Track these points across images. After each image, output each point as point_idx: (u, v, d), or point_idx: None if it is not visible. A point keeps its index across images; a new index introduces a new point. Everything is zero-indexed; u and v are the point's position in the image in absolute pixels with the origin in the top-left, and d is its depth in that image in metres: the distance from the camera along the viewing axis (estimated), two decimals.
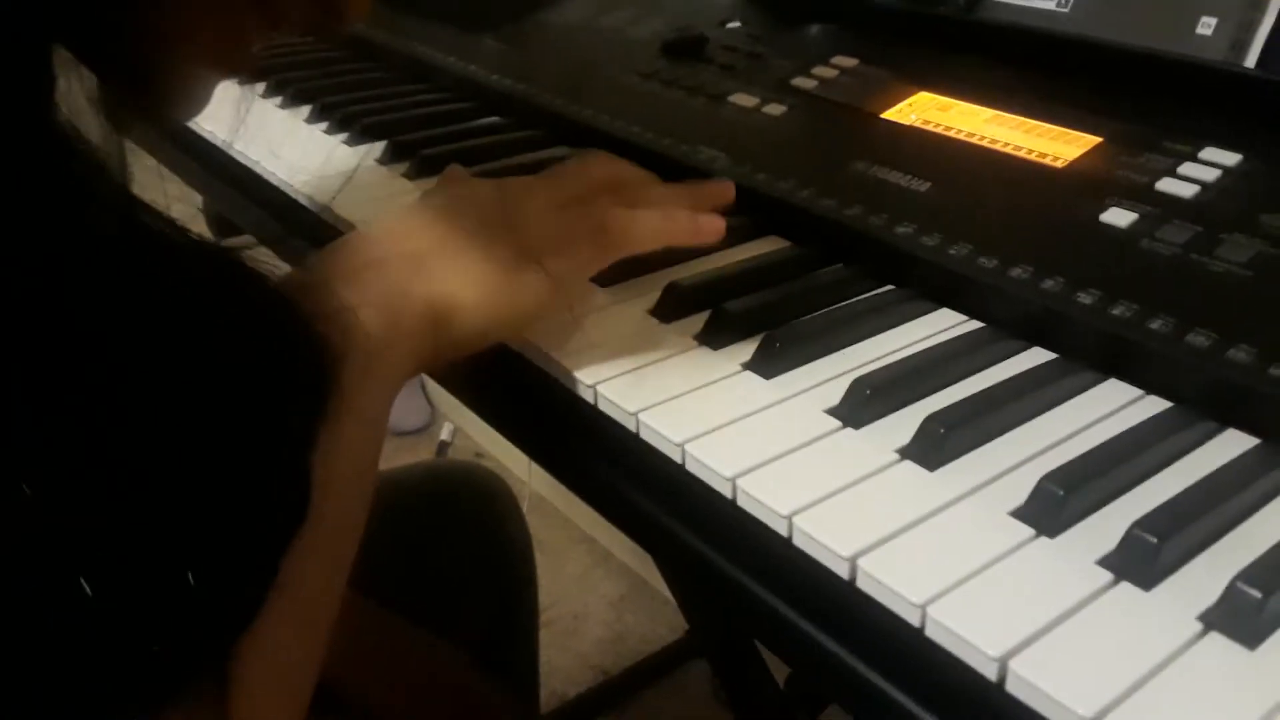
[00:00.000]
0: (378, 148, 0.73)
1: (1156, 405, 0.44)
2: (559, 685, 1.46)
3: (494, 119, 0.78)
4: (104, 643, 0.28)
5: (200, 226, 0.76)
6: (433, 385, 1.93)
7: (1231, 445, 0.42)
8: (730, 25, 0.80)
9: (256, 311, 0.36)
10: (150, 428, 0.29)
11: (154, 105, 0.38)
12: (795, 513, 0.38)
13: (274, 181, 0.70)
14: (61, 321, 0.28)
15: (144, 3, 0.33)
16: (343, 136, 0.75)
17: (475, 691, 0.66)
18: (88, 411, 0.28)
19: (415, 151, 0.70)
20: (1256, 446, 0.41)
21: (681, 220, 0.52)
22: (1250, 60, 0.60)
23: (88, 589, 0.27)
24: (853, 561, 0.36)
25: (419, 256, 0.45)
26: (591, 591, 1.64)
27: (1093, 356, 0.47)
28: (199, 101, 0.42)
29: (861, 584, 0.36)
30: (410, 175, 0.69)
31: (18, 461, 0.27)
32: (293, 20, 0.40)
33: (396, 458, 1.73)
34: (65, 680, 0.27)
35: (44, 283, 0.28)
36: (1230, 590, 0.33)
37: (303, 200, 0.67)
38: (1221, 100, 0.57)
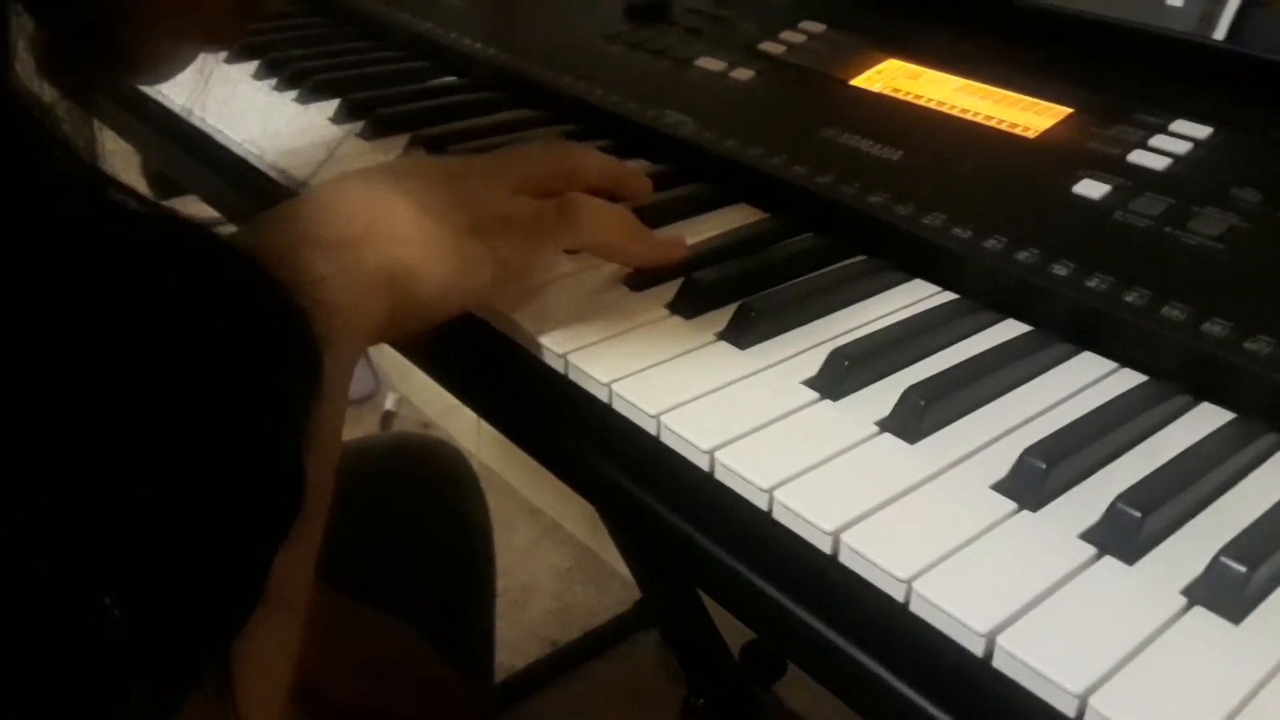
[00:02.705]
0: (329, 106, 0.70)
1: (1132, 379, 0.44)
2: (507, 657, 1.45)
3: (452, 79, 0.76)
4: (103, 645, 0.26)
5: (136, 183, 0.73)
6: (377, 353, 1.90)
7: (1208, 419, 0.42)
8: None
9: (243, 292, 0.33)
10: (136, 417, 0.27)
11: (117, 70, 0.36)
12: (775, 486, 0.37)
13: (220, 140, 0.67)
14: (35, 308, 0.26)
15: None
16: (292, 94, 0.72)
17: (434, 673, 0.65)
18: (70, 403, 0.26)
19: (370, 110, 0.67)
20: (1232, 420, 0.41)
21: (648, 238, 0.50)
22: (1220, 33, 0.59)
23: (83, 591, 0.25)
24: (835, 536, 0.35)
25: (373, 223, 0.43)
26: (540, 563, 1.63)
27: (1068, 329, 0.46)
28: (169, 69, 0.41)
29: (844, 559, 0.35)
30: (365, 135, 0.66)
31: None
32: None
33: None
34: (68, 684, 0.26)
35: (12, 265, 0.25)
36: (1214, 565, 0.33)
37: (252, 160, 0.64)
38: (1192, 73, 0.57)
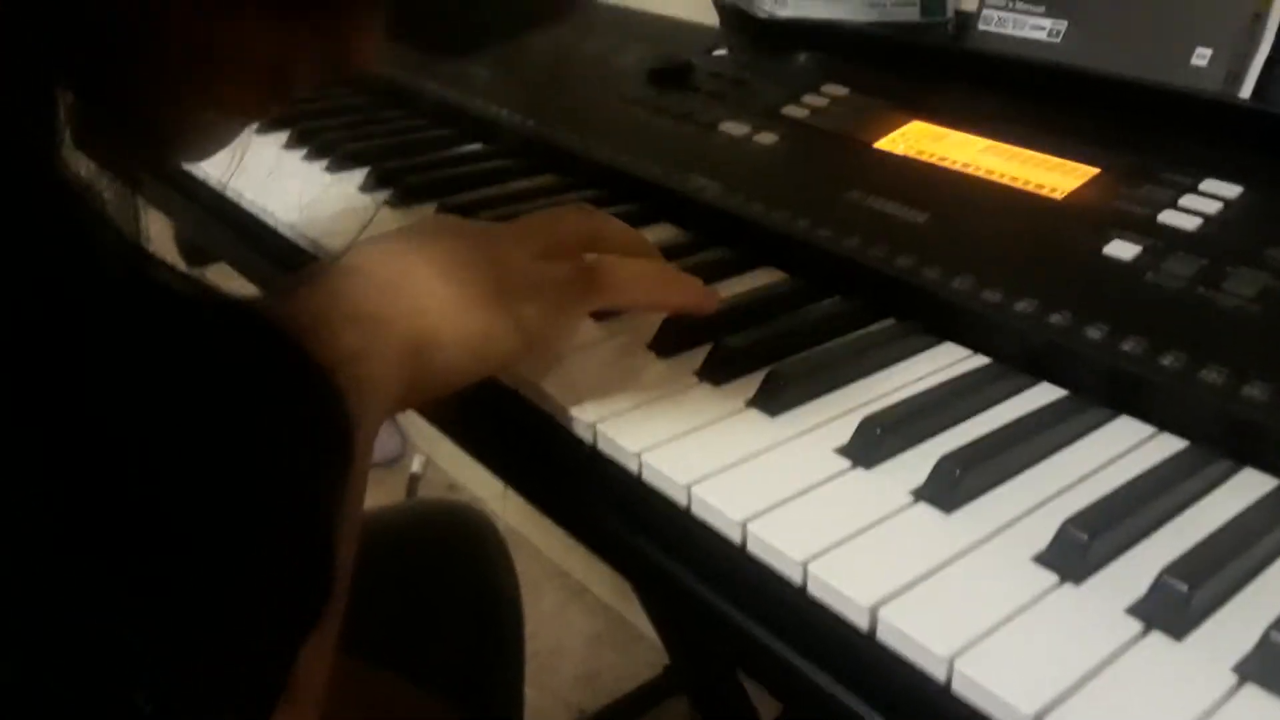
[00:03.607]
0: (358, 175, 0.71)
1: (1172, 444, 0.43)
2: None
3: (478, 146, 0.77)
4: None
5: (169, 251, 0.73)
6: (403, 415, 1.90)
7: (1251, 485, 0.41)
8: (717, 53, 0.79)
9: (282, 372, 0.33)
10: (175, 505, 0.27)
11: (151, 145, 0.36)
12: (810, 559, 0.36)
13: (252, 210, 0.68)
14: (72, 383, 0.26)
15: (153, 54, 0.32)
16: (322, 164, 0.73)
17: None
18: (109, 490, 0.26)
19: (398, 179, 0.68)
20: (1277, 488, 0.40)
21: (679, 283, 0.50)
22: (1245, 91, 0.59)
23: (118, 689, 0.25)
24: (873, 611, 0.34)
25: (397, 292, 0.42)
26: (567, 627, 1.61)
27: (1103, 393, 0.45)
28: (205, 146, 0.41)
29: (882, 636, 0.34)
30: (393, 203, 0.67)
31: (32, 539, 0.25)
32: (304, 78, 0.38)
33: (367, 492, 1.70)
34: None
35: (52, 341, 0.25)
36: (1267, 641, 0.32)
37: (283, 231, 0.65)
38: (1218, 131, 0.57)
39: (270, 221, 0.66)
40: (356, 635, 0.38)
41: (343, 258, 0.44)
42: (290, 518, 0.31)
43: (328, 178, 0.71)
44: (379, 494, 1.79)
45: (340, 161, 0.72)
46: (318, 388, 0.34)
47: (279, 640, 0.30)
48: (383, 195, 0.68)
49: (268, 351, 0.33)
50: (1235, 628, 0.34)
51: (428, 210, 0.66)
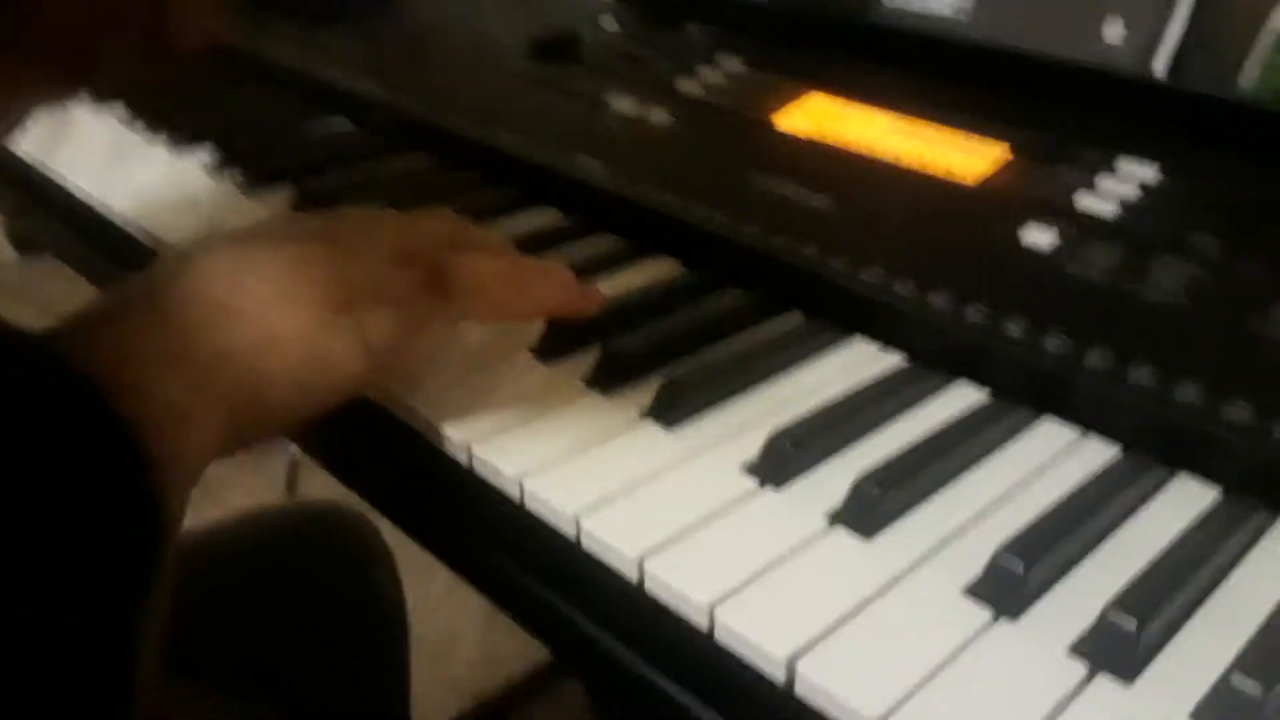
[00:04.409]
0: (205, 154, 0.63)
1: (1101, 449, 0.40)
2: (429, 714, 1.37)
3: (343, 123, 0.70)
4: None
5: None
6: None
7: (1188, 495, 0.38)
8: (603, 22, 0.73)
9: (70, 432, 0.27)
10: None
11: None
12: (717, 602, 0.32)
13: (79, 195, 0.60)
14: None
15: None
16: (163, 142, 0.65)
17: None
18: None
19: (250, 159, 0.61)
20: (1217, 500, 0.37)
21: (548, 281, 0.44)
22: (1159, 68, 0.57)
23: None
24: (790, 664, 0.30)
25: (229, 310, 0.35)
26: (460, 610, 1.54)
27: (1026, 394, 0.42)
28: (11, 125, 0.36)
29: (800, 691, 0.30)
30: (243, 188, 0.60)
31: None
32: (115, 57, 0.33)
33: (244, 480, 1.60)
34: None
35: None
36: (1226, 685, 0.29)
37: (118, 220, 0.57)
38: (1132, 109, 0.54)
39: (103, 210, 0.58)
40: (222, 665, 0.32)
41: (172, 266, 0.37)
42: (73, 634, 0.25)
43: (169, 157, 0.64)
44: (258, 483, 1.70)
45: (183, 139, 0.65)
46: (119, 454, 0.28)
47: None
48: (230, 177, 0.61)
49: (55, 402, 0.27)
50: (1191, 667, 0.30)
51: (282, 194, 0.59)
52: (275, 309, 0.35)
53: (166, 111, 0.67)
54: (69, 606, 0.26)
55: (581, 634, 0.35)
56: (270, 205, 0.58)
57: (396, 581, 0.77)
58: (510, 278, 0.42)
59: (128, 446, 0.29)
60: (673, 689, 0.32)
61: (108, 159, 0.62)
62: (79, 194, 0.59)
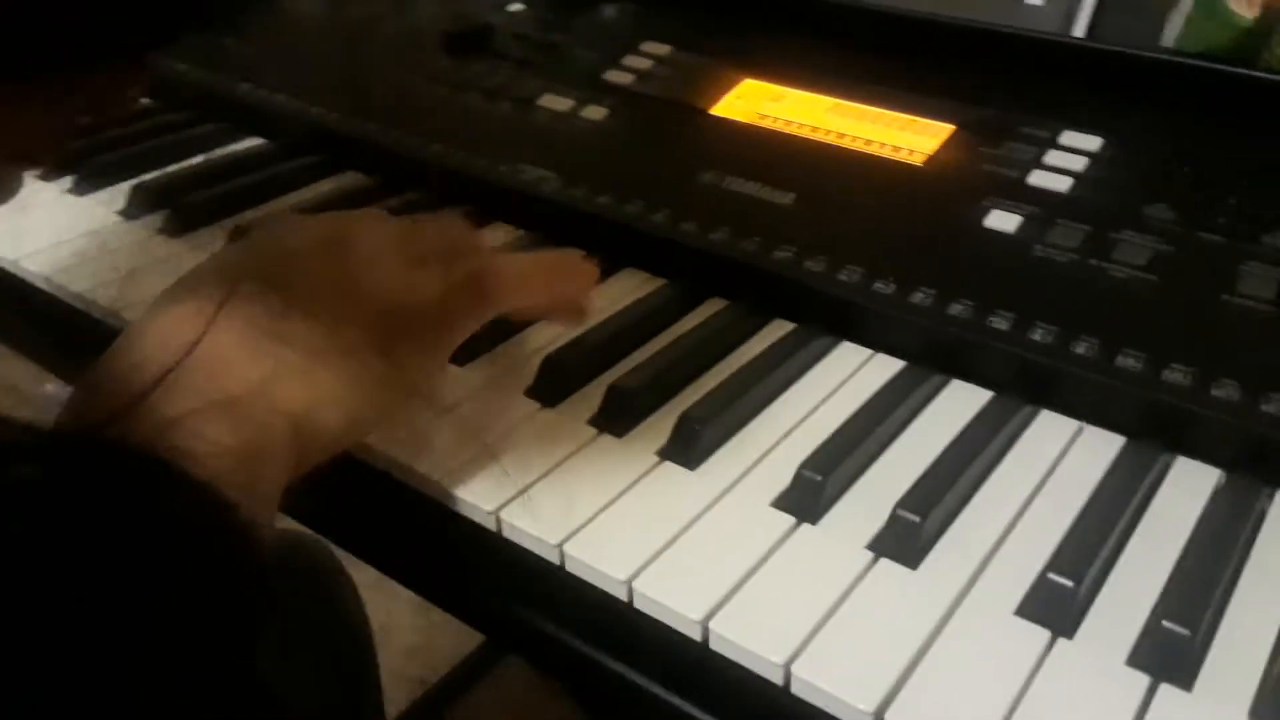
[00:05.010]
0: (115, 195, 0.59)
1: (1108, 440, 0.42)
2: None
3: (260, 144, 0.66)
4: None
5: None
6: None
7: (1194, 476, 0.40)
8: (513, 8, 0.71)
9: (165, 515, 0.28)
10: None
11: None
12: (791, 659, 0.32)
13: None
14: None
15: None
16: (66, 185, 0.61)
17: None
18: None
19: (169, 199, 0.57)
20: (1220, 482, 0.40)
21: (569, 268, 0.44)
22: (1080, 30, 0.58)
23: None
24: (879, 714, 0.31)
25: (242, 345, 0.34)
26: (393, 598, 1.53)
27: (1021, 388, 0.43)
28: None
29: None
30: (169, 232, 0.56)
31: None
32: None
33: None
34: None
35: None
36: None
37: (36, 282, 0.53)
38: (1062, 76, 0.56)
39: (15, 271, 0.54)
40: None
41: (153, 325, 0.34)
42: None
43: (76, 202, 0.59)
44: None
45: (88, 180, 0.60)
46: (208, 515, 0.28)
47: None
48: (152, 219, 0.57)
49: (134, 493, 0.27)
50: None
51: (212, 236, 0.55)
52: (307, 338, 0.35)
53: (69, 152, 0.62)
54: (201, 657, 0.27)
55: (647, 699, 0.35)
56: (203, 246, 0.54)
57: (363, 613, 0.77)
58: (540, 268, 0.43)
59: (210, 503, 0.29)
60: None
61: (12, 213, 0.57)
62: None
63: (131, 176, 0.60)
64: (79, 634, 0.24)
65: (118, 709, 0.24)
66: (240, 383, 0.33)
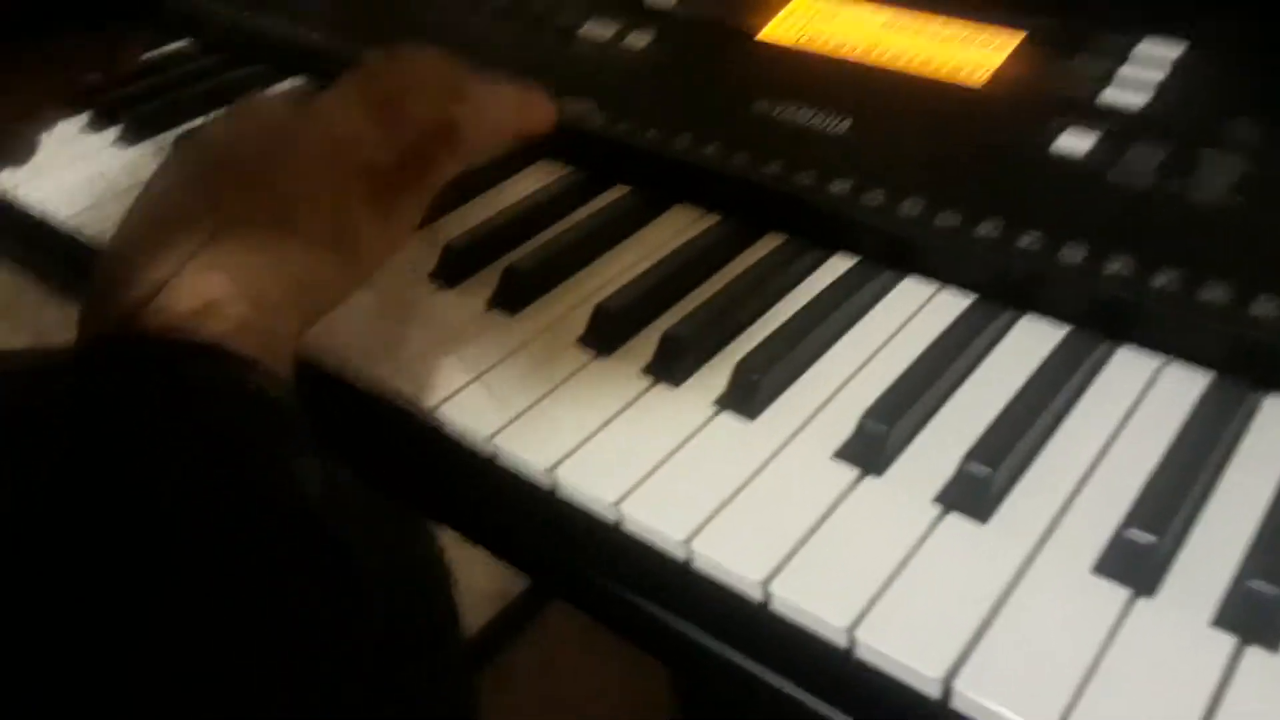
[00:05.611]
0: (166, 146, 0.59)
1: (1189, 377, 0.39)
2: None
3: (300, 82, 0.65)
4: None
5: None
6: None
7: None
8: None
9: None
10: None
11: None
12: (855, 624, 0.31)
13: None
14: None
15: None
16: (113, 135, 0.60)
17: None
18: None
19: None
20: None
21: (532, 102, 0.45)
22: None
23: None
24: (946, 681, 0.30)
25: (249, 251, 0.36)
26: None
27: (1095, 322, 0.41)
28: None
29: (957, 705, 0.30)
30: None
31: None
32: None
33: None
34: None
35: None
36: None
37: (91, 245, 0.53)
38: None
39: (62, 228, 0.54)
40: None
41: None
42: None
43: (122, 154, 0.59)
44: None
45: (133, 131, 0.60)
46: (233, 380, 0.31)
47: None
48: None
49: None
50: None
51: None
52: (298, 229, 0.36)
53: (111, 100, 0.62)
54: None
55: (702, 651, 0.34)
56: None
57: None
58: (506, 110, 0.44)
59: (229, 362, 0.32)
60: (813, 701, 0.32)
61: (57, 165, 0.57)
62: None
63: (176, 125, 0.59)
64: (135, 501, 0.27)
65: (180, 532, 0.27)
66: (237, 267, 0.35)
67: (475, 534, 0.41)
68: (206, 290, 0.34)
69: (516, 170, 0.55)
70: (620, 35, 0.58)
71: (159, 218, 0.36)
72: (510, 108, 0.44)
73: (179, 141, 0.54)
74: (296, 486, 0.30)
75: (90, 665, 0.24)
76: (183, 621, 0.26)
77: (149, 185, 0.38)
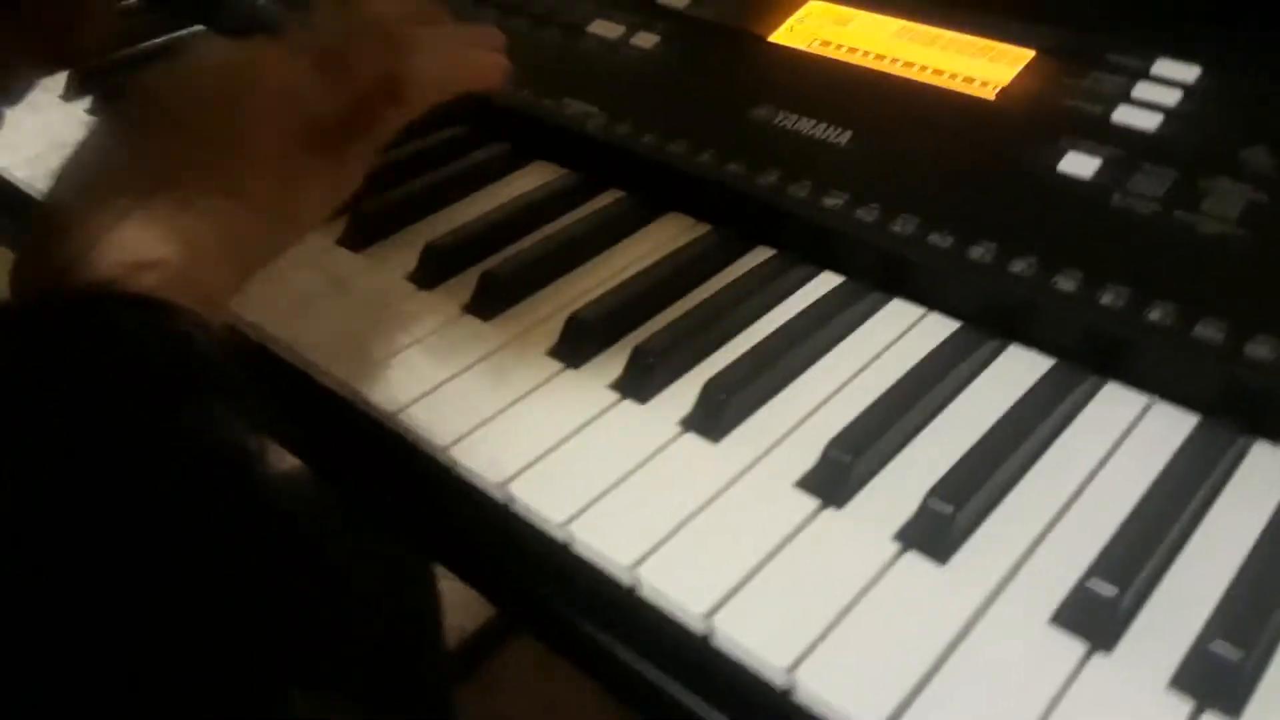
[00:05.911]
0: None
1: (1179, 419, 0.38)
2: (456, 619, 1.36)
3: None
4: None
5: None
6: None
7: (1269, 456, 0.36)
8: None
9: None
10: None
11: None
12: (796, 663, 0.30)
13: None
14: None
15: None
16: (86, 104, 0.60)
17: None
18: None
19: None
20: None
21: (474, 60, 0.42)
22: None
23: None
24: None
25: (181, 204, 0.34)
26: None
27: (1086, 356, 0.40)
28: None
29: None
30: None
31: None
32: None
33: None
34: None
35: None
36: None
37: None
38: None
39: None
40: None
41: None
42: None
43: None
44: None
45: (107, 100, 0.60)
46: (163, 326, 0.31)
47: None
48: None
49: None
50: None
51: None
52: (239, 163, 0.36)
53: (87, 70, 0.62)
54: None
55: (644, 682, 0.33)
56: None
57: None
58: (456, 61, 0.41)
59: (159, 310, 0.31)
60: None
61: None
62: None
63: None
64: (66, 451, 0.26)
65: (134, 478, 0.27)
66: (173, 219, 0.34)
67: (433, 548, 0.40)
68: (141, 243, 0.33)
69: (509, 171, 0.54)
70: (629, 34, 0.57)
71: (96, 170, 0.35)
72: (459, 61, 0.42)
73: (118, 90, 0.53)
74: (223, 431, 0.29)
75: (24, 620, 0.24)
76: (116, 564, 0.26)
77: (87, 137, 0.36)
